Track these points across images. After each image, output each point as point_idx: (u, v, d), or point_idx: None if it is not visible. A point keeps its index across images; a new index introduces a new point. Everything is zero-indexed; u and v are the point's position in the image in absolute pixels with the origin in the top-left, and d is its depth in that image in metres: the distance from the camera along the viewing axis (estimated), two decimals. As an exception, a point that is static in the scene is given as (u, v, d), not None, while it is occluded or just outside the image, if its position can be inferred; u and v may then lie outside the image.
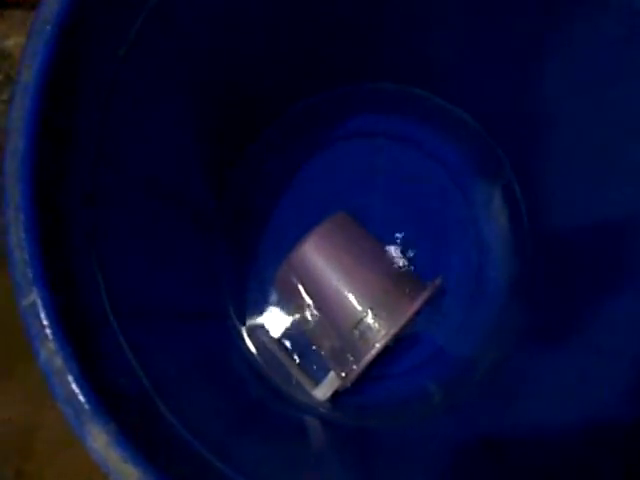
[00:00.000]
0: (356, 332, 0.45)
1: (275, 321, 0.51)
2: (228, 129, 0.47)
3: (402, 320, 0.44)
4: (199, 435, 0.27)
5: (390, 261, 0.48)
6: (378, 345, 0.43)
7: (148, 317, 0.35)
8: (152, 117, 0.37)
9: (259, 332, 0.50)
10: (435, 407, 0.49)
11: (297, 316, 0.49)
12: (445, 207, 0.53)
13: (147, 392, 0.27)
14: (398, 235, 0.52)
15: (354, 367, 0.45)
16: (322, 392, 0.47)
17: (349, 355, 0.45)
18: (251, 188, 0.53)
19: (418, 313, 0.45)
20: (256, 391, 0.47)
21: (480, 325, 0.51)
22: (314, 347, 0.50)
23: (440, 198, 0.53)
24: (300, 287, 0.47)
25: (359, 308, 0.45)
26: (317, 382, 0.48)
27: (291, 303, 0.49)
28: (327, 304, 0.46)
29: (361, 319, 0.44)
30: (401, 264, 0.49)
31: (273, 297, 0.52)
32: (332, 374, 0.47)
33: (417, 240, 0.52)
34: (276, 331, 0.51)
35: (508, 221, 0.53)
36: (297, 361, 0.50)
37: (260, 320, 0.51)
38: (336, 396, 0.48)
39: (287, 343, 0.51)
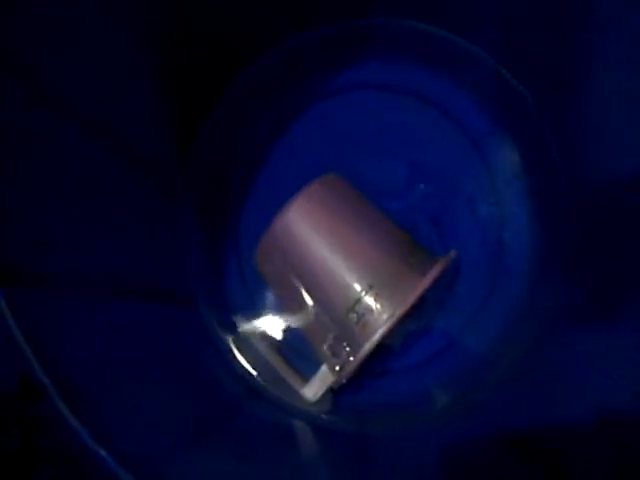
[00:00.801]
0: (353, 316, 0.36)
1: (256, 307, 0.43)
2: (199, 65, 0.38)
3: (410, 299, 0.35)
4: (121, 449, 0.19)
5: (393, 231, 0.39)
6: (380, 331, 0.35)
7: (81, 287, 0.27)
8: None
9: (237, 321, 0.41)
10: (449, 408, 0.41)
11: (282, 299, 0.41)
12: (460, 171, 0.45)
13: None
14: (403, 203, 0.44)
15: (351, 359, 0.36)
16: (312, 391, 0.38)
17: (345, 345, 0.37)
18: (227, 146, 0.45)
19: (426, 295, 0.36)
20: (232, 392, 0.38)
21: (502, 310, 0.43)
22: (304, 337, 0.42)
23: (454, 160, 0.45)
24: (284, 263, 0.38)
25: (356, 286, 0.36)
26: (307, 379, 0.39)
27: (274, 283, 0.41)
28: (317, 282, 0.37)
29: (358, 299, 0.36)
30: (406, 235, 0.41)
31: (253, 278, 0.43)
32: (324, 368, 0.38)
33: (426, 209, 0.44)
34: (258, 319, 0.43)
35: (534, 185, 0.44)
36: (283, 355, 0.41)
37: (238, 307, 0.42)
38: (330, 396, 0.39)
39: (271, 333, 0.42)
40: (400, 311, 0.35)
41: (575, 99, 0.41)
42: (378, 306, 0.36)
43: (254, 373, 0.40)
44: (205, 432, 0.33)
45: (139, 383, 0.27)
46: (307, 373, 0.40)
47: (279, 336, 0.42)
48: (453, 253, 0.39)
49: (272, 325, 0.42)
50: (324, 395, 0.38)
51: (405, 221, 0.41)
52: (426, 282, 0.36)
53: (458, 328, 0.42)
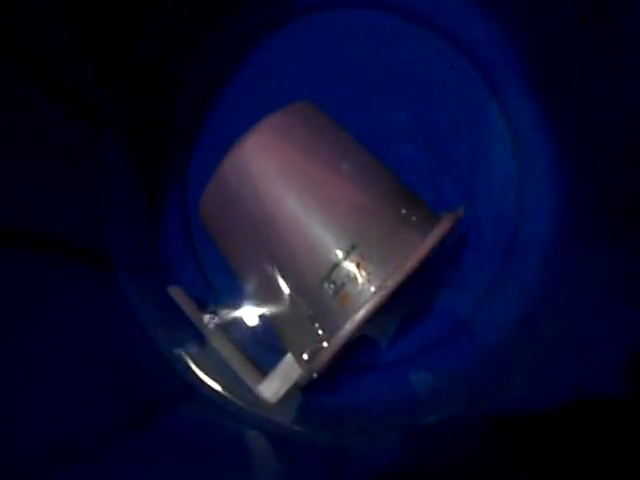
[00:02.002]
0: (329, 287, 0.26)
1: (202, 278, 0.33)
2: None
3: (408, 265, 0.25)
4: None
5: (385, 176, 0.30)
6: (367, 307, 0.25)
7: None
8: None
9: (175, 296, 0.31)
10: (454, 409, 0.31)
11: (236, 266, 0.30)
12: (467, 111, 0.35)
13: None
14: (396, 149, 0.34)
15: (324, 345, 0.26)
16: (272, 389, 0.28)
17: (317, 326, 0.27)
18: (168, 79, 0.35)
19: (427, 262, 0.27)
20: (161, 388, 0.28)
21: (519, 289, 0.33)
22: (264, 317, 0.32)
23: (460, 97, 0.35)
24: (238, 215, 0.28)
25: (333, 246, 0.26)
26: (266, 374, 0.29)
27: (226, 244, 0.30)
28: (281, 240, 0.27)
29: (336, 265, 0.26)
30: (401, 185, 0.31)
31: (201, 238, 0.33)
32: (288, 358, 0.28)
33: (424, 158, 0.34)
34: (203, 294, 0.32)
35: (562, 138, 0.35)
36: (234, 341, 0.31)
37: (178, 277, 0.32)
38: (296, 396, 0.29)
39: (220, 312, 0.32)
40: (394, 281, 0.25)
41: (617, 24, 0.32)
42: (363, 273, 0.26)
43: (193, 366, 0.30)
44: (121, 434, 0.23)
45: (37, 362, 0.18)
46: (267, 366, 0.30)
47: (230, 315, 0.31)
48: (460, 211, 0.29)
49: (222, 301, 0.32)
50: (288, 395, 0.28)
51: (400, 177, 0.31)
52: (429, 243, 0.26)
53: (465, 310, 0.33)
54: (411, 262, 0.26)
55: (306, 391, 0.29)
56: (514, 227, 0.35)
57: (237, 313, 0.32)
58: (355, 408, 0.31)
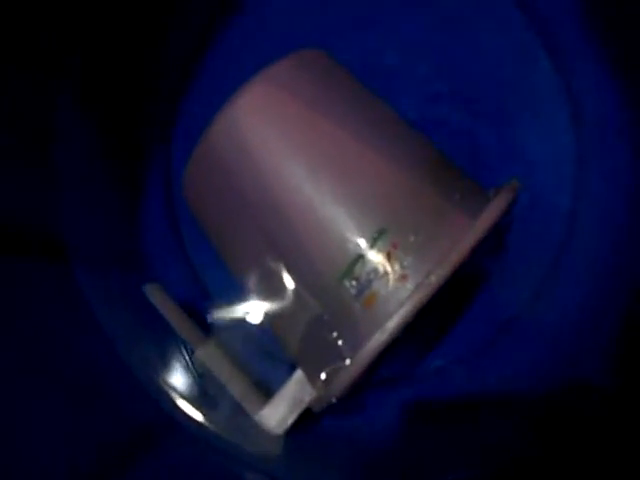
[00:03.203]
0: (350, 285, 0.20)
1: (189, 273, 0.26)
2: None
3: (457, 254, 0.19)
4: None
5: (418, 141, 0.23)
6: (402, 312, 0.19)
7: None
8: None
9: (153, 296, 0.24)
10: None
11: (228, 259, 0.24)
12: (516, 66, 0.28)
13: None
14: (429, 109, 0.28)
15: (347, 362, 0.20)
16: (276, 416, 0.22)
17: (335, 336, 0.20)
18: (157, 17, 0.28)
19: (480, 248, 0.20)
20: (137, 421, 0.22)
21: (583, 271, 0.27)
22: (265, 324, 0.25)
23: (506, 49, 0.28)
24: (230, 193, 0.22)
25: (355, 231, 0.20)
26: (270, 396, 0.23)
27: (215, 228, 0.24)
28: (287, 225, 0.21)
29: (360, 256, 0.20)
30: (438, 152, 0.24)
31: (185, 221, 0.26)
32: (298, 376, 0.22)
33: (463, 119, 0.28)
34: (190, 294, 0.26)
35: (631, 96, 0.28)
36: (231, 355, 0.25)
37: (158, 272, 0.26)
38: (306, 424, 0.23)
39: (211, 316, 0.26)
40: (439, 276, 0.19)
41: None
42: (396, 267, 0.19)
43: (177, 394, 0.23)
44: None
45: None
46: (273, 385, 0.23)
47: (225, 321, 0.25)
48: (515, 183, 0.22)
49: (215, 303, 0.25)
50: (295, 421, 0.22)
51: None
52: (483, 225, 0.20)
53: (520, 300, 0.27)
54: (461, 251, 0.19)
55: (318, 417, 0.23)
56: (572, 207, 0.28)
57: (234, 318, 0.26)
58: (376, 432, 0.25)
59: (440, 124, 0.27)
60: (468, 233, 0.20)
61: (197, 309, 0.26)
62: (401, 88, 0.27)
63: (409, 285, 0.19)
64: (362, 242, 0.20)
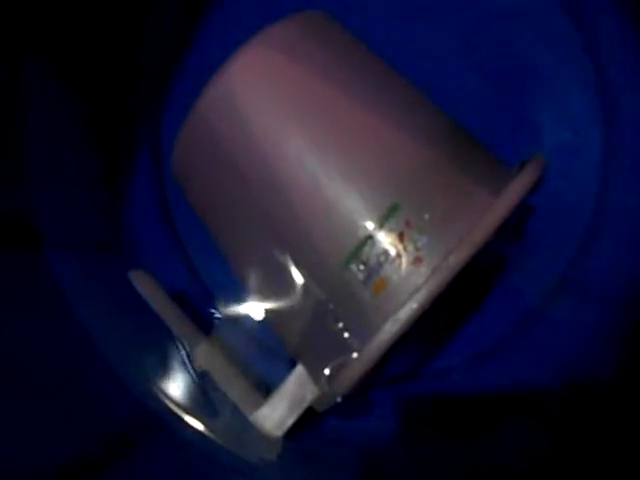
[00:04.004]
0: (357, 270, 0.17)
1: (180, 259, 0.24)
2: None
3: (480, 234, 0.17)
4: None
5: (430, 110, 0.21)
6: (418, 299, 0.16)
7: None
8: None
9: (139, 283, 0.22)
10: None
11: (221, 242, 0.22)
12: (539, 32, 0.26)
13: None
14: (443, 80, 0.25)
15: (352, 356, 0.18)
16: (275, 416, 0.20)
17: (340, 327, 0.18)
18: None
19: (503, 230, 0.18)
20: (119, 420, 0.19)
21: (617, 267, 0.25)
22: (265, 313, 0.23)
23: (529, 15, 0.26)
24: (224, 168, 0.20)
25: (362, 208, 0.18)
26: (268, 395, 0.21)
27: (207, 209, 0.22)
28: (285, 202, 0.18)
29: (368, 237, 0.17)
30: (453, 123, 0.22)
31: (177, 203, 0.24)
32: (298, 372, 0.20)
33: (480, 89, 0.25)
34: (181, 283, 0.24)
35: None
36: (225, 350, 0.23)
37: (145, 259, 0.24)
38: (308, 425, 0.21)
39: (206, 307, 0.23)
40: (459, 258, 0.17)
41: None
42: (410, 248, 0.17)
43: (164, 391, 0.21)
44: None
45: None
46: (272, 382, 0.21)
47: (220, 312, 0.23)
48: (539, 158, 0.20)
49: (209, 293, 0.23)
50: (295, 422, 0.20)
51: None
52: (508, 201, 0.18)
53: (541, 293, 0.24)
54: (484, 230, 0.17)
55: (322, 417, 0.21)
56: (600, 191, 0.26)
57: (231, 309, 0.23)
58: (386, 435, 0.23)
59: (454, 90, 0.25)
60: (492, 210, 0.17)
61: (190, 300, 0.24)
62: (408, 52, 0.25)
63: (424, 269, 0.17)
64: (371, 221, 0.17)
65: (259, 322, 0.23)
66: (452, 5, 0.25)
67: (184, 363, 0.21)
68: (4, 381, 0.19)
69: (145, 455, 0.19)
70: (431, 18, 0.25)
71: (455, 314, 0.24)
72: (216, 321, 0.23)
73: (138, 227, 0.24)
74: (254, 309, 0.23)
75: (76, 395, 0.19)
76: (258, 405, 0.20)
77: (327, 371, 0.18)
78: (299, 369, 0.20)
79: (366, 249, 0.17)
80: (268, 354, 0.24)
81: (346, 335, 0.18)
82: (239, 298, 0.24)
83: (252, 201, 0.19)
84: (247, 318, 0.23)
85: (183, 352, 0.21)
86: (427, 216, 0.17)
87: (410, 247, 0.17)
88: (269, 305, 0.20)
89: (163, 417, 0.20)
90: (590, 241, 0.25)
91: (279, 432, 0.19)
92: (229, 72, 0.19)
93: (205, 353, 0.21)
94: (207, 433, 0.20)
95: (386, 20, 0.25)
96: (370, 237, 0.17)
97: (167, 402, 0.20)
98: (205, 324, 0.23)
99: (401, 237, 0.17)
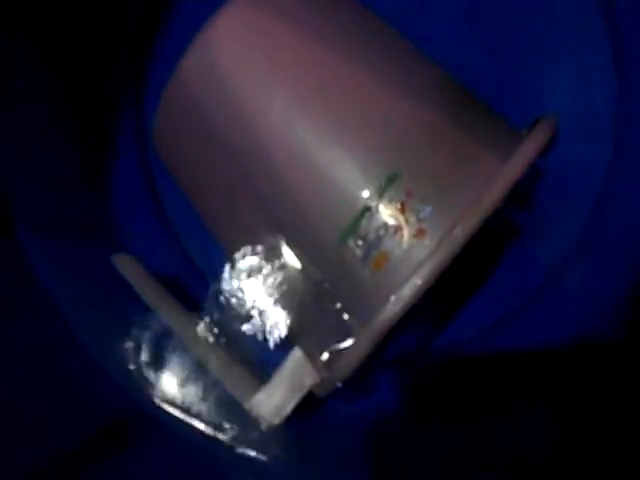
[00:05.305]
0: (355, 245, 0.16)
1: (168, 239, 0.23)
2: None
3: (488, 202, 0.15)
4: None
5: (431, 70, 0.19)
6: (422, 274, 0.15)
7: None
8: None
9: (123, 267, 0.21)
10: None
11: (208, 217, 0.20)
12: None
13: None
14: (447, 37, 0.23)
15: (353, 338, 0.16)
16: (272, 402, 0.19)
17: (338, 308, 0.17)
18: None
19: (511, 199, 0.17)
20: (107, 414, 0.18)
21: (629, 237, 0.24)
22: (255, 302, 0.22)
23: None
24: (208, 137, 0.18)
25: (359, 177, 0.16)
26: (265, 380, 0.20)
27: (191, 183, 0.20)
28: (275, 172, 0.17)
29: (366, 208, 0.16)
30: (456, 83, 0.20)
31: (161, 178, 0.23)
32: (296, 355, 0.19)
33: (487, 64, 0.24)
34: (169, 264, 0.23)
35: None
36: (220, 339, 0.22)
37: (129, 242, 0.22)
38: (307, 410, 0.19)
39: (194, 288, 0.22)
40: (465, 228, 0.15)
41: None
42: (412, 219, 0.16)
43: (152, 382, 0.20)
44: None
45: None
46: (269, 368, 0.20)
47: (211, 297, 0.22)
48: (552, 119, 0.19)
49: (198, 273, 0.22)
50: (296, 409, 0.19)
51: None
52: (516, 166, 0.16)
53: (550, 264, 0.23)
54: (491, 198, 0.15)
55: (323, 402, 0.20)
56: (611, 160, 0.24)
57: (223, 292, 0.22)
58: (389, 416, 0.22)
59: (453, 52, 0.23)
60: (499, 176, 0.16)
61: (179, 283, 0.23)
62: (415, 21, 0.23)
63: (428, 242, 0.16)
64: (369, 191, 0.16)
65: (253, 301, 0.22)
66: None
67: (174, 352, 0.20)
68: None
69: (136, 451, 0.17)
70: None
71: (463, 287, 0.23)
72: (205, 302, 0.22)
73: (121, 207, 0.23)
74: (247, 291, 0.22)
75: (59, 388, 0.18)
76: (254, 392, 0.19)
77: (326, 355, 0.17)
78: (296, 353, 0.19)
79: (364, 222, 0.16)
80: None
81: (345, 316, 0.17)
82: (230, 278, 0.22)
83: (238, 173, 0.18)
84: (241, 300, 0.22)
85: (173, 339, 0.20)
86: (430, 185, 0.16)
87: (412, 219, 0.16)
88: (264, 288, 0.19)
89: (152, 410, 0.19)
90: (603, 207, 0.24)
91: (277, 420, 0.18)
92: (211, 32, 0.18)
93: (193, 336, 0.20)
94: (196, 422, 0.19)
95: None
96: (368, 209, 0.16)
97: (156, 394, 0.19)
98: (195, 306, 0.22)
99: (402, 208, 0.16)
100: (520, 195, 0.22)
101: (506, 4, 0.23)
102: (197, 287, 0.23)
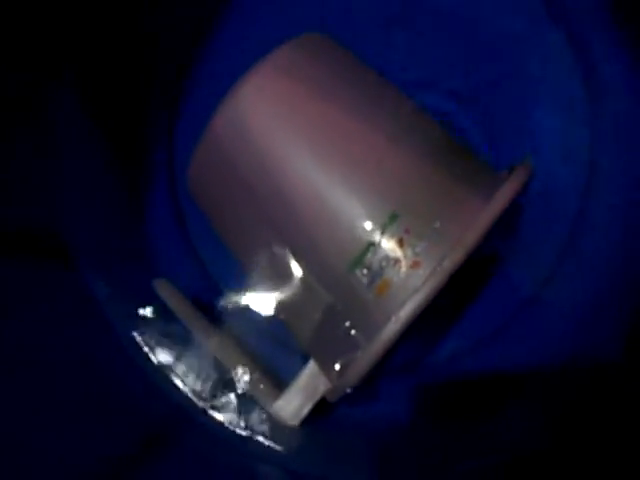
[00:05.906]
0: (361, 274, 0.19)
1: (196, 266, 0.26)
2: None
3: (471, 237, 0.19)
4: None
5: (427, 124, 0.23)
6: (417, 299, 0.18)
7: None
8: None
9: (162, 290, 0.24)
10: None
11: (238, 251, 0.24)
12: (527, 37, 0.27)
13: None
14: (438, 83, 0.27)
15: (360, 352, 0.19)
16: (291, 407, 0.22)
17: (347, 325, 0.20)
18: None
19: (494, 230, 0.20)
20: (151, 417, 0.21)
21: (605, 255, 0.27)
22: (277, 316, 0.25)
23: (518, 17, 0.27)
24: (236, 183, 0.21)
25: (365, 217, 0.19)
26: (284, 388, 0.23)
27: (221, 221, 0.24)
28: (293, 213, 0.20)
29: (370, 243, 0.19)
30: (448, 134, 0.24)
31: (191, 214, 0.26)
32: (311, 367, 0.22)
33: (473, 90, 0.27)
34: (197, 288, 0.26)
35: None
36: (242, 348, 0.25)
37: (162, 268, 0.26)
38: (321, 413, 0.23)
39: (220, 307, 0.25)
40: (453, 260, 0.18)
41: None
42: (409, 252, 0.19)
43: (186, 386, 0.23)
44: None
45: None
46: (288, 375, 0.23)
47: (235, 311, 0.25)
48: (528, 162, 0.22)
49: (224, 295, 0.25)
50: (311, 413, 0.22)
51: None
52: (497, 206, 0.19)
53: (534, 281, 0.26)
54: (475, 234, 0.19)
55: (334, 406, 0.23)
56: (586, 184, 0.27)
57: (244, 310, 0.25)
58: (395, 423, 0.25)
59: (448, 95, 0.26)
60: (481, 215, 0.19)
61: (207, 302, 0.26)
62: (404, 63, 0.27)
63: (422, 271, 0.19)
64: (373, 229, 0.19)
65: (271, 320, 0.25)
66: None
67: (209, 367, 0.23)
68: (47, 391, 0.21)
69: (176, 452, 0.21)
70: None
71: (456, 304, 0.26)
72: (229, 318, 0.25)
73: (156, 237, 0.26)
74: (266, 310, 0.25)
75: (113, 400, 0.21)
76: (275, 397, 0.22)
77: (337, 366, 0.20)
78: (311, 364, 0.22)
79: (369, 255, 0.19)
80: (280, 346, 0.26)
81: (353, 333, 0.20)
82: (251, 299, 0.26)
83: (262, 214, 0.21)
84: (260, 316, 0.25)
85: (208, 355, 0.23)
86: (424, 223, 0.19)
87: (409, 252, 0.19)
88: (281, 307, 0.22)
89: (189, 411, 0.22)
90: (580, 226, 0.27)
91: (296, 421, 0.21)
92: (239, 94, 0.21)
93: (220, 348, 0.23)
94: (227, 423, 0.22)
95: (385, 35, 0.27)
96: (373, 244, 0.19)
97: (191, 396, 0.22)
98: (219, 322, 0.25)
99: (401, 243, 0.19)
100: (503, 227, 0.25)
101: (491, 52, 0.26)
102: (218, 304, 0.26)
